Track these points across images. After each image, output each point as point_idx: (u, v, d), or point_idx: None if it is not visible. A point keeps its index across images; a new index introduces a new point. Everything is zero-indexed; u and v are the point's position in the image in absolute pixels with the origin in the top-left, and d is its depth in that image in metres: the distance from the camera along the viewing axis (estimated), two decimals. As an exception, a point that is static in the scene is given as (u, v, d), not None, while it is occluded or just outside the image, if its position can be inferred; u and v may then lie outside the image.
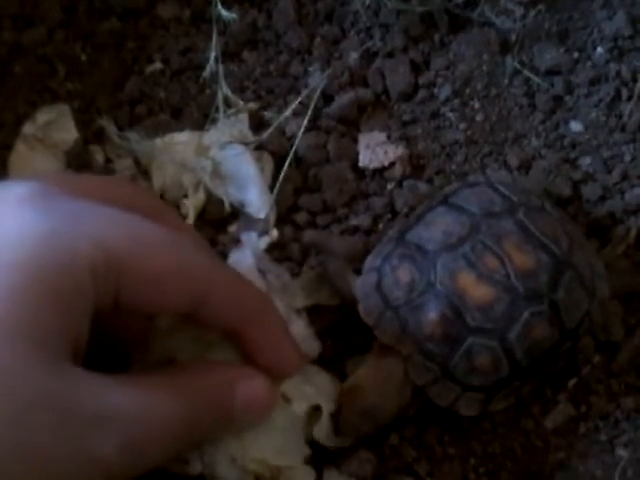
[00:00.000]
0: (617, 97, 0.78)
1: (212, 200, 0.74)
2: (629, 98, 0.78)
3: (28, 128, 0.75)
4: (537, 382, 0.66)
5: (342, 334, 0.69)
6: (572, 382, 0.68)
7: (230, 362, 0.59)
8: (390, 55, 0.81)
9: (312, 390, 0.62)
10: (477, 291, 0.62)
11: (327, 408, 0.62)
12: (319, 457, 0.63)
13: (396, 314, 0.63)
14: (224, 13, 0.79)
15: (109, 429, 0.47)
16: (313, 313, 0.69)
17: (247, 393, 0.56)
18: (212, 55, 0.78)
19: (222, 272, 0.57)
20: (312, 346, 0.66)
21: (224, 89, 0.77)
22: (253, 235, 0.71)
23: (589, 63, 0.80)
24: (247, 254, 0.69)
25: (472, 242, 0.63)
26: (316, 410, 0.62)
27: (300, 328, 0.66)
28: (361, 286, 0.66)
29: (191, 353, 0.58)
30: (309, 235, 0.74)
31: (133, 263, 0.51)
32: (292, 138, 0.76)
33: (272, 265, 0.70)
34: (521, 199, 0.66)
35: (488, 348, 0.61)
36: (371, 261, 0.67)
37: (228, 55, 0.81)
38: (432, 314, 0.62)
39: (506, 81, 0.80)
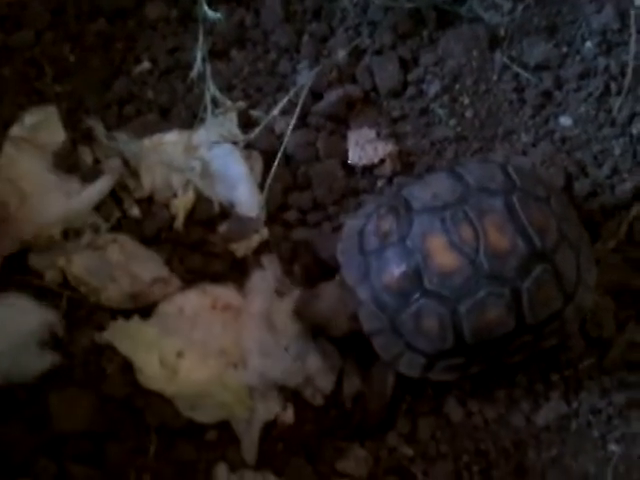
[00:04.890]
0: (606, 91, 0.78)
1: (201, 200, 0.74)
2: (618, 92, 0.78)
3: (16, 130, 0.75)
4: (486, 366, 0.66)
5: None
6: (555, 377, 0.68)
7: None
8: (379, 52, 0.81)
9: None
10: (442, 257, 0.62)
11: None
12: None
13: (364, 259, 0.65)
14: (210, 13, 0.79)
15: None
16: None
17: None
18: (199, 55, 0.78)
19: None
20: (326, 380, 0.68)
21: (212, 89, 0.77)
22: (274, 258, 0.72)
23: (578, 57, 0.80)
24: (268, 276, 0.70)
25: (455, 210, 0.63)
26: None
27: (315, 363, 0.68)
28: (348, 228, 0.68)
29: None
30: (299, 233, 0.74)
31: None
32: (281, 136, 0.76)
33: (292, 288, 0.71)
34: (525, 185, 0.65)
35: (437, 314, 0.62)
36: (366, 207, 0.70)
37: (216, 54, 0.80)
38: (394, 268, 0.63)
39: (495, 77, 0.80)
